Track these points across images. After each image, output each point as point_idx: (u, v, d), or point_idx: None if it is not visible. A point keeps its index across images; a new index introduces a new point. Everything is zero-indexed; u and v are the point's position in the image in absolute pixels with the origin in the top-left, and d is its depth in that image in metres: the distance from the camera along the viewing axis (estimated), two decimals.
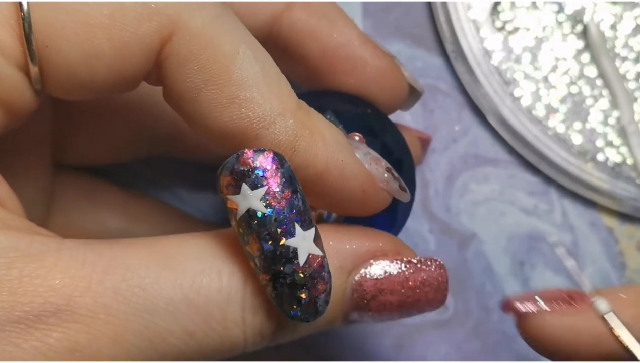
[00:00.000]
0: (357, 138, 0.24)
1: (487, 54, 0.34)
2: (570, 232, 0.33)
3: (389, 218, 0.25)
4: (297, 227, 0.20)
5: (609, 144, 0.34)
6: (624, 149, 0.34)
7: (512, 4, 0.35)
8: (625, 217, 0.34)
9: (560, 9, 0.35)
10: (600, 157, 0.34)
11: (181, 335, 0.20)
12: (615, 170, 0.33)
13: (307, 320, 0.21)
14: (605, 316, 0.21)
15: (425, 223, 0.33)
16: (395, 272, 0.22)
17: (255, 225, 0.20)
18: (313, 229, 0.20)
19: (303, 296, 0.20)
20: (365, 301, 0.22)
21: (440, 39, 0.35)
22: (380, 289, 0.22)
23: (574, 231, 0.33)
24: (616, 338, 0.21)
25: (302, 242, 0.20)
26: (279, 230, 0.20)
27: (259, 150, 0.20)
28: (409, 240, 0.33)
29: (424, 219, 0.33)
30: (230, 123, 0.21)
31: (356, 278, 0.22)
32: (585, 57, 0.34)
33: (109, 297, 0.19)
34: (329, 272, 0.21)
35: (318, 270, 0.20)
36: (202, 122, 0.21)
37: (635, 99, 0.34)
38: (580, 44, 0.34)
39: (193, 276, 0.20)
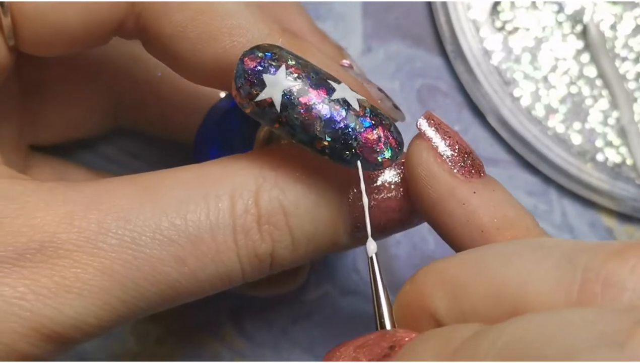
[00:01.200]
0: (346, 64, 0.24)
1: (487, 54, 0.34)
2: (569, 232, 0.33)
3: None
4: (332, 83, 0.20)
5: (609, 144, 0.34)
6: (623, 149, 0.34)
7: (512, 4, 0.35)
8: (625, 217, 0.34)
9: (560, 9, 0.35)
10: (599, 157, 0.34)
11: (172, 263, 0.20)
12: (615, 171, 0.33)
13: (396, 157, 0.20)
14: (372, 256, 0.20)
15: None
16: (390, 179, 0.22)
17: (297, 100, 0.19)
18: (343, 83, 0.20)
19: (379, 134, 0.20)
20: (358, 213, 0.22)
21: (440, 39, 0.35)
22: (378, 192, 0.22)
23: (574, 231, 0.33)
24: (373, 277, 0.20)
25: (345, 92, 0.20)
26: (320, 92, 0.20)
27: (254, 47, 0.20)
28: (408, 240, 0.33)
29: None
30: (223, 53, 0.21)
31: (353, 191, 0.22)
32: (585, 57, 0.34)
33: (93, 230, 0.19)
34: (380, 111, 0.21)
35: (372, 110, 0.20)
36: (194, 58, 0.21)
37: (635, 99, 0.34)
38: (580, 44, 0.34)
39: (178, 203, 0.20)
